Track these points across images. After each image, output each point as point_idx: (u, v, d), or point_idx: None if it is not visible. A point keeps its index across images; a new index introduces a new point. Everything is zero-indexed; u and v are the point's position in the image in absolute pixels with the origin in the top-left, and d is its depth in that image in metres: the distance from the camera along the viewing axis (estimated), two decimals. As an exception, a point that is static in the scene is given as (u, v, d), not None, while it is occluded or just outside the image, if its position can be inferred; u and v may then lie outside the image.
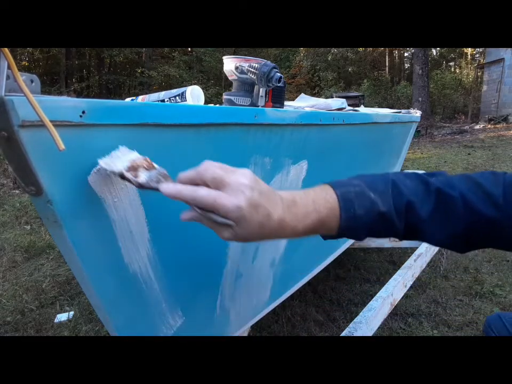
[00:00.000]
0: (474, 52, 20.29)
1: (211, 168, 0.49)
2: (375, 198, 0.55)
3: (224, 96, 1.16)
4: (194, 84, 1.22)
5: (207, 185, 0.49)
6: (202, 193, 0.47)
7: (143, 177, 0.52)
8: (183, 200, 0.49)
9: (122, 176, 0.53)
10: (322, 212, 0.53)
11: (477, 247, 0.62)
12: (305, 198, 0.54)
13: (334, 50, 16.00)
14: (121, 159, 0.55)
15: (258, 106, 1.11)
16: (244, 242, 0.51)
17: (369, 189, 0.56)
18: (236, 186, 0.48)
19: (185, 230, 0.78)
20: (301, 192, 0.55)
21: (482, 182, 0.58)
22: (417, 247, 1.97)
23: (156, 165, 0.55)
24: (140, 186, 0.52)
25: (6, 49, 0.44)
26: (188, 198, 0.48)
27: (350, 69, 18.09)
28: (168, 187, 0.49)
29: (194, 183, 0.49)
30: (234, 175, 0.49)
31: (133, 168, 0.53)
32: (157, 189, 0.51)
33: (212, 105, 1.10)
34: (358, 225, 0.55)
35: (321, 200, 0.54)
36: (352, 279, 2.29)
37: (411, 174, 0.61)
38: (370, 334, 1.25)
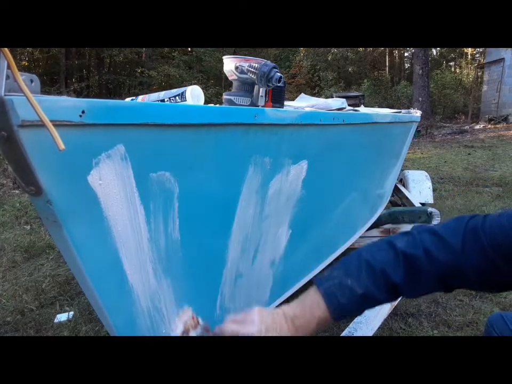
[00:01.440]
0: (474, 52, 20.28)
1: (228, 326, 0.69)
2: (351, 284, 0.66)
3: (224, 96, 1.16)
4: (194, 84, 1.22)
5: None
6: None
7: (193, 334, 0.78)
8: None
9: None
10: (316, 314, 0.66)
11: (458, 287, 0.71)
12: (303, 309, 0.67)
13: (334, 50, 15.99)
14: (180, 319, 0.79)
15: (258, 106, 1.11)
16: None
17: (346, 276, 0.67)
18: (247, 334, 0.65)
19: (185, 230, 0.78)
20: (299, 304, 0.69)
21: (443, 233, 0.66)
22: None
23: (200, 321, 0.80)
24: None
25: (6, 49, 0.44)
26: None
27: (350, 69, 18.08)
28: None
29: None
30: (244, 327, 0.66)
31: (186, 329, 0.78)
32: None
33: (212, 105, 1.10)
34: (345, 311, 0.67)
35: (314, 305, 0.67)
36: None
37: (380, 244, 0.71)
38: (370, 334, 1.25)
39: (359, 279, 0.66)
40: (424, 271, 0.65)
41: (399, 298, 0.72)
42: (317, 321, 0.66)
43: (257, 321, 0.66)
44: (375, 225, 2.26)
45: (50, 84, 11.97)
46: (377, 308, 1.31)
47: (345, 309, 0.66)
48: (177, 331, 0.76)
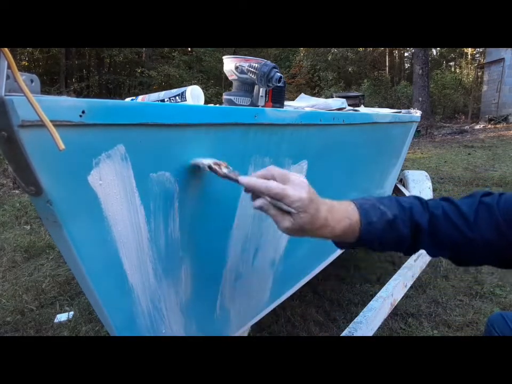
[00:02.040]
0: (474, 52, 20.28)
1: (276, 168, 0.62)
2: (383, 209, 0.67)
3: (224, 96, 1.16)
4: (194, 84, 1.22)
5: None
6: (273, 184, 0.59)
7: (225, 170, 0.67)
8: (257, 189, 0.60)
9: (210, 167, 0.69)
10: (352, 218, 0.65)
11: (467, 263, 0.74)
12: (340, 206, 0.66)
13: (334, 50, 15.98)
14: (206, 159, 0.72)
15: (258, 106, 1.11)
16: (295, 235, 0.62)
17: (379, 203, 0.69)
18: (298, 182, 0.60)
19: (185, 229, 0.78)
20: (336, 202, 0.67)
21: (458, 202, 0.70)
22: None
23: (230, 167, 0.70)
24: (224, 176, 0.66)
25: (6, 49, 0.44)
26: (262, 188, 0.59)
27: (350, 69, 18.08)
28: (245, 178, 0.62)
29: (265, 178, 0.61)
30: (295, 175, 0.61)
31: (217, 164, 0.69)
32: (236, 180, 0.63)
33: (212, 105, 1.10)
34: (372, 230, 0.66)
35: (350, 210, 0.66)
36: (352, 279, 2.29)
37: (410, 196, 0.74)
38: (370, 334, 1.25)
39: (390, 208, 0.68)
40: (442, 230, 0.67)
41: (419, 249, 0.72)
42: (349, 223, 0.64)
43: (307, 187, 0.60)
44: (375, 225, 2.25)
45: (50, 84, 11.97)
46: (377, 308, 1.31)
47: (374, 228, 0.65)
48: (206, 161, 0.70)
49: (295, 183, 0.59)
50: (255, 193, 0.62)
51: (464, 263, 0.75)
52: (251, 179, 0.61)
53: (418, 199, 0.72)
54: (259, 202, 0.61)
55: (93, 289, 0.62)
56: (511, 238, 0.63)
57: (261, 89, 1.09)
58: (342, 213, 0.65)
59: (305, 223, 0.59)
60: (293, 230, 0.60)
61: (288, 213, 0.59)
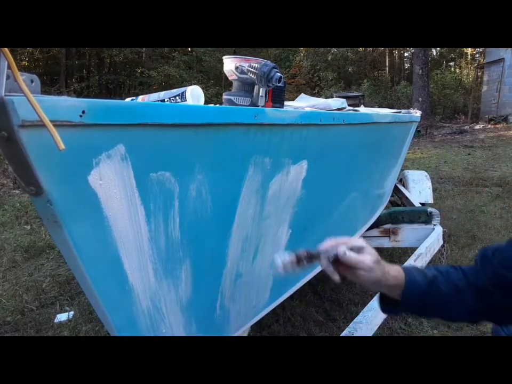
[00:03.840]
0: (474, 52, 20.26)
1: (346, 253, 0.72)
2: (426, 272, 0.75)
3: (224, 96, 1.16)
4: (194, 84, 1.22)
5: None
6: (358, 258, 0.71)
7: (305, 261, 0.73)
8: (348, 263, 0.71)
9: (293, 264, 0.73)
10: (399, 278, 0.73)
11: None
12: (392, 267, 0.75)
13: (334, 50, 15.96)
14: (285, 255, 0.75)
15: (258, 106, 1.11)
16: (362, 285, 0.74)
17: (419, 270, 0.76)
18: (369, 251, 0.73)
19: (185, 229, 0.78)
20: (387, 264, 0.76)
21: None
22: (417, 247, 1.97)
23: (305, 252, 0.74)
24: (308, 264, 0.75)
25: (6, 49, 0.44)
26: (352, 262, 0.71)
27: (350, 69, 18.06)
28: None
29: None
30: (364, 257, 0.72)
31: (297, 258, 0.74)
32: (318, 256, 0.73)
33: (212, 105, 1.10)
34: (418, 288, 0.72)
35: (395, 269, 0.75)
36: (352, 279, 2.29)
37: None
38: (370, 334, 1.25)
39: (430, 271, 0.75)
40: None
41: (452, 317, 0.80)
42: (394, 279, 0.72)
43: (373, 251, 0.73)
44: (375, 225, 2.26)
45: (50, 84, 11.96)
46: (377, 308, 1.31)
47: (419, 287, 0.72)
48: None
49: (368, 252, 0.73)
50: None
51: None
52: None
53: (458, 270, 0.76)
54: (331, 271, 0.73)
55: (93, 289, 0.62)
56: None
57: (261, 89, 1.09)
58: (393, 272, 0.74)
59: (368, 279, 0.72)
60: (362, 283, 0.74)
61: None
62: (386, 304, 0.78)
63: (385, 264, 0.74)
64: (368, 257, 0.72)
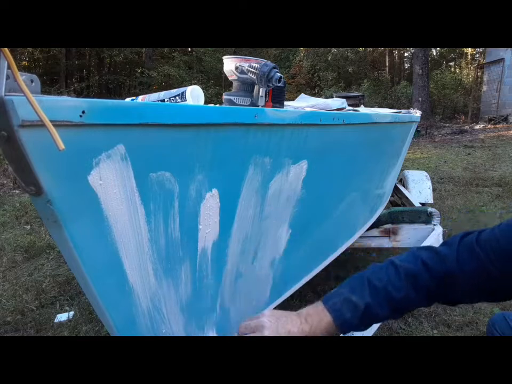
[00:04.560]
0: (474, 52, 20.26)
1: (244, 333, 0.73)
2: (356, 300, 0.71)
3: (224, 96, 1.16)
4: (194, 84, 1.22)
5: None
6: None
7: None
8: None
9: None
10: (325, 324, 0.70)
11: (457, 299, 0.76)
12: (315, 312, 0.72)
13: (334, 50, 15.98)
14: None
15: (258, 106, 1.11)
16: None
17: (351, 293, 0.72)
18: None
19: (185, 229, 0.78)
20: (310, 309, 0.75)
21: (438, 248, 0.74)
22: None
23: None
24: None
25: (6, 49, 0.44)
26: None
27: (350, 69, 18.07)
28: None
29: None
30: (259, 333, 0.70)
31: None
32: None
33: (212, 105, 1.10)
34: (350, 324, 0.71)
35: (323, 317, 0.71)
36: (352, 279, 2.29)
37: (382, 263, 0.78)
38: (370, 334, 1.25)
39: (363, 296, 0.71)
40: (423, 284, 0.71)
41: (403, 314, 0.80)
42: (326, 327, 0.70)
43: (268, 322, 0.71)
44: (375, 225, 2.26)
45: (50, 84, 11.97)
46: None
47: (349, 323, 0.70)
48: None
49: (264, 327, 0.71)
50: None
51: (453, 302, 0.79)
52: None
53: (391, 264, 0.75)
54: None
55: (93, 289, 0.62)
56: (491, 271, 0.66)
57: (261, 89, 1.09)
58: (319, 319, 0.71)
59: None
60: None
61: None
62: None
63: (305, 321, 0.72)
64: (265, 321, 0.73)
